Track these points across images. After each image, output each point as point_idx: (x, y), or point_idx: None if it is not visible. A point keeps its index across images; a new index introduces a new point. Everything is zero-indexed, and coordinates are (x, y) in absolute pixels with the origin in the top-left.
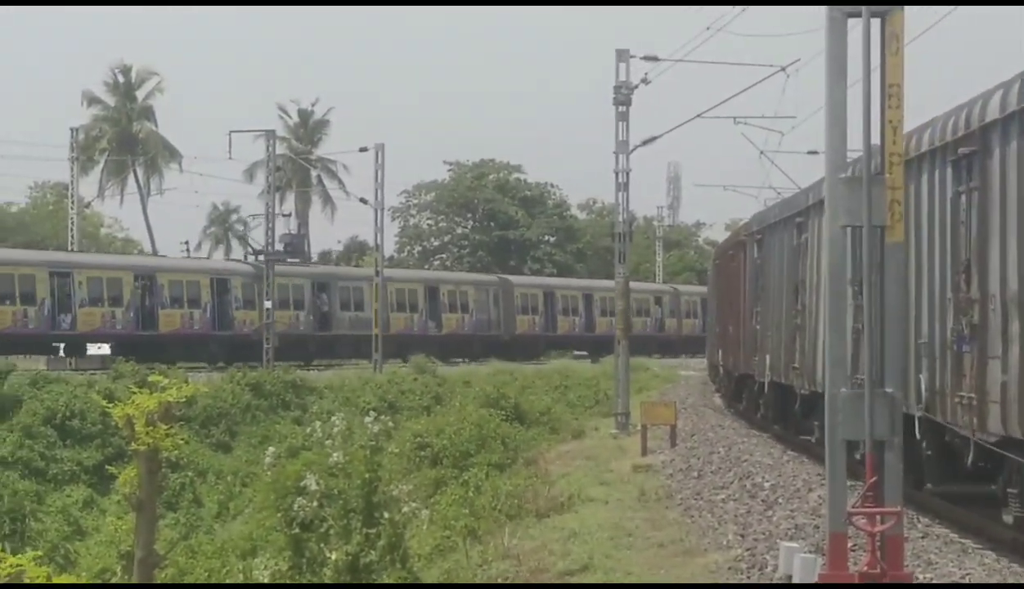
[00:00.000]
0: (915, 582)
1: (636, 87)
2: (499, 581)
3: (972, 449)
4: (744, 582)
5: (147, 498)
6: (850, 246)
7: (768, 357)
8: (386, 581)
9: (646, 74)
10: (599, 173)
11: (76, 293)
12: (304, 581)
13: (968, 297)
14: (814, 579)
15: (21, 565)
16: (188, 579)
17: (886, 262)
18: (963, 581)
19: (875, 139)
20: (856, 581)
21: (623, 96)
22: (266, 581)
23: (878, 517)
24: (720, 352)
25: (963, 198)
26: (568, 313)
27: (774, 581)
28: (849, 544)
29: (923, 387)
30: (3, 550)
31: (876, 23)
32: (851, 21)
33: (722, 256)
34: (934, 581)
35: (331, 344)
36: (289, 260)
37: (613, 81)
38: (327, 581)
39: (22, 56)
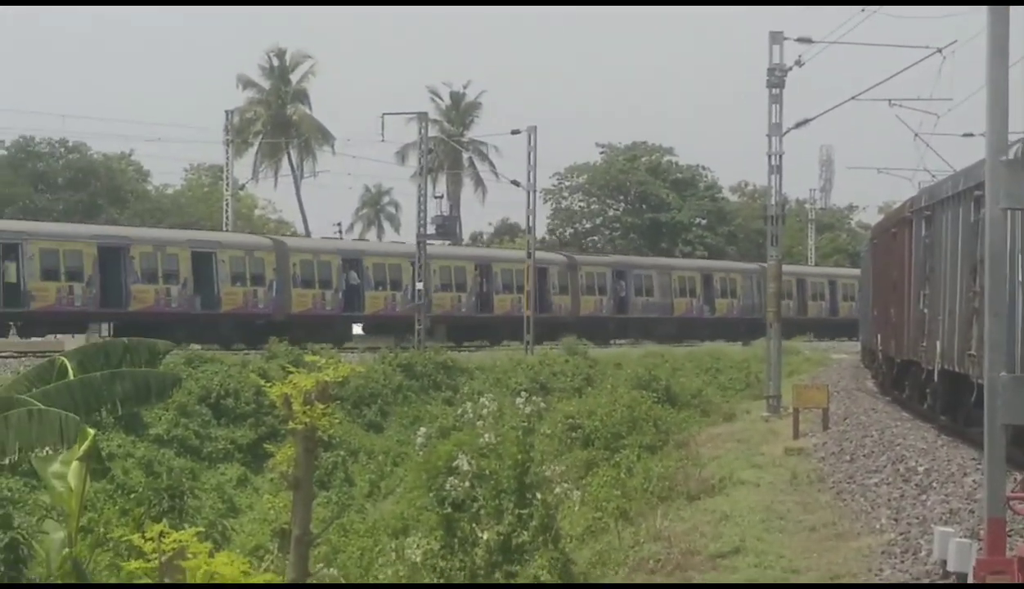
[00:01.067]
0: None
1: (790, 69)
2: (651, 563)
3: None
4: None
5: (303, 477)
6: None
7: (938, 343)
8: (539, 561)
9: (800, 56)
10: (751, 156)
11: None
12: (456, 561)
13: None
14: (971, 564)
15: (183, 540)
16: (341, 557)
17: None
18: None
19: None
20: (1015, 566)
21: (776, 78)
22: (418, 561)
23: None
24: (879, 337)
25: None
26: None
27: (928, 564)
28: (1006, 529)
29: None
30: (164, 526)
31: None
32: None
33: (882, 235)
34: None
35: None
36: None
37: (767, 63)
38: (479, 560)
39: (179, 39)
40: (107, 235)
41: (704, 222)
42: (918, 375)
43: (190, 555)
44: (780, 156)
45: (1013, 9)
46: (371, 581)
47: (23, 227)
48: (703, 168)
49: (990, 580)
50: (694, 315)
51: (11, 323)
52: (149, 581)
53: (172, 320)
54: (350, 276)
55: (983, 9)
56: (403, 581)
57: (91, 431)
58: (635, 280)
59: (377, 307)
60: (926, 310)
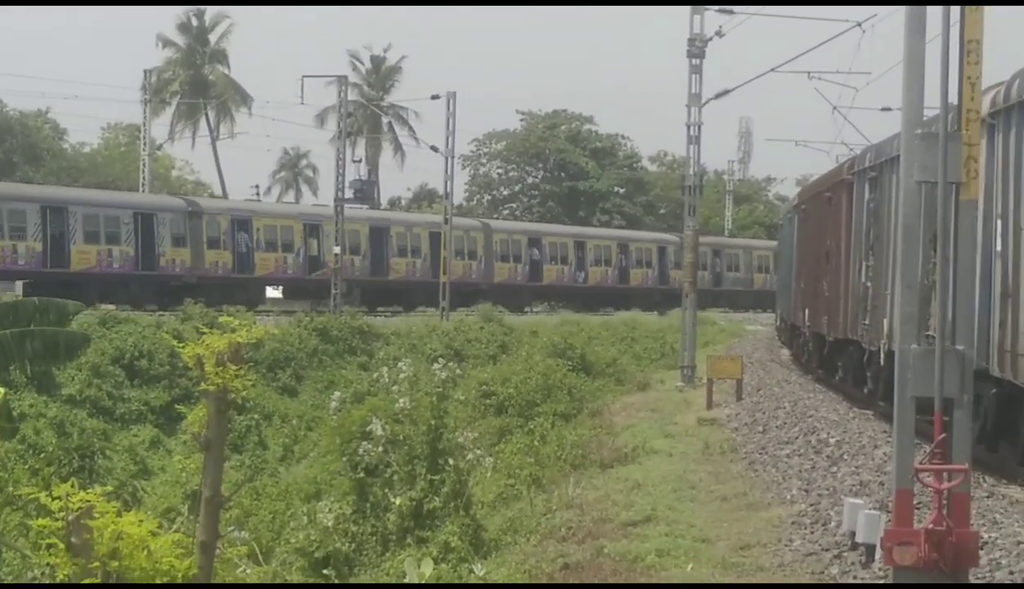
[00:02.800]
0: (981, 540)
1: (710, 40)
2: (563, 530)
3: None
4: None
5: (215, 438)
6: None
7: (885, 322)
8: (449, 527)
9: (720, 27)
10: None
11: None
12: (368, 526)
13: None
14: (879, 536)
15: (90, 500)
16: (253, 520)
17: (960, 219)
18: None
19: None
20: (922, 537)
21: (697, 49)
22: (330, 525)
23: (945, 474)
24: (805, 312)
25: None
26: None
27: (837, 535)
28: (914, 502)
29: None
30: (72, 486)
31: None
32: None
33: (812, 200)
34: (999, 539)
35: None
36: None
37: (687, 33)
38: (391, 525)
39: None
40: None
41: (623, 191)
42: (856, 356)
43: (97, 514)
44: (699, 127)
45: None
46: (282, 545)
47: None
48: (622, 137)
49: (896, 551)
50: (608, 285)
51: None
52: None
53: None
54: (240, 238)
55: None
56: (314, 546)
57: (0, 389)
58: (550, 249)
59: (268, 269)
60: (869, 284)
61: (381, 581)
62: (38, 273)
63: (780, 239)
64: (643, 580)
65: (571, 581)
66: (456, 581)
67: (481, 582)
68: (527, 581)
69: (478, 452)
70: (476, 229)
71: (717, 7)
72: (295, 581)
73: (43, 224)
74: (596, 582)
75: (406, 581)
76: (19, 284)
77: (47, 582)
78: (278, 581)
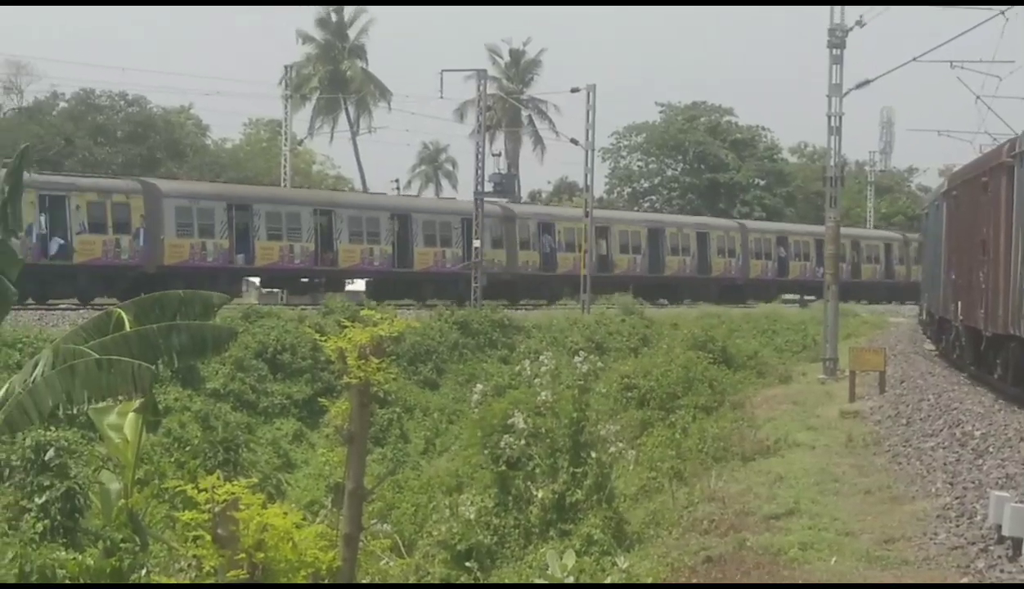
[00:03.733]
0: None
1: (850, 30)
2: (705, 523)
3: None
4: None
5: (358, 431)
6: None
7: None
8: (592, 520)
9: (861, 16)
10: (812, 117)
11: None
12: (511, 518)
13: None
14: None
15: (236, 492)
16: (395, 513)
17: None
18: None
19: None
20: None
21: (837, 39)
22: (472, 518)
23: None
24: (957, 305)
25: None
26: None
27: (983, 529)
28: None
29: None
30: (218, 478)
31: None
32: None
33: (964, 187)
34: None
35: None
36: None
37: (828, 24)
38: (533, 518)
39: None
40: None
41: (763, 183)
42: (1018, 353)
43: (243, 506)
44: (840, 118)
45: None
46: (424, 538)
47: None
48: (763, 129)
49: None
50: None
51: None
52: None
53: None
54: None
55: None
56: (457, 538)
57: None
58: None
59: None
60: None
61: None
62: (387, 272)
63: (925, 229)
64: (786, 574)
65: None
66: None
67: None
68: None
69: (620, 445)
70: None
71: None
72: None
73: (393, 230)
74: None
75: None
76: (362, 282)
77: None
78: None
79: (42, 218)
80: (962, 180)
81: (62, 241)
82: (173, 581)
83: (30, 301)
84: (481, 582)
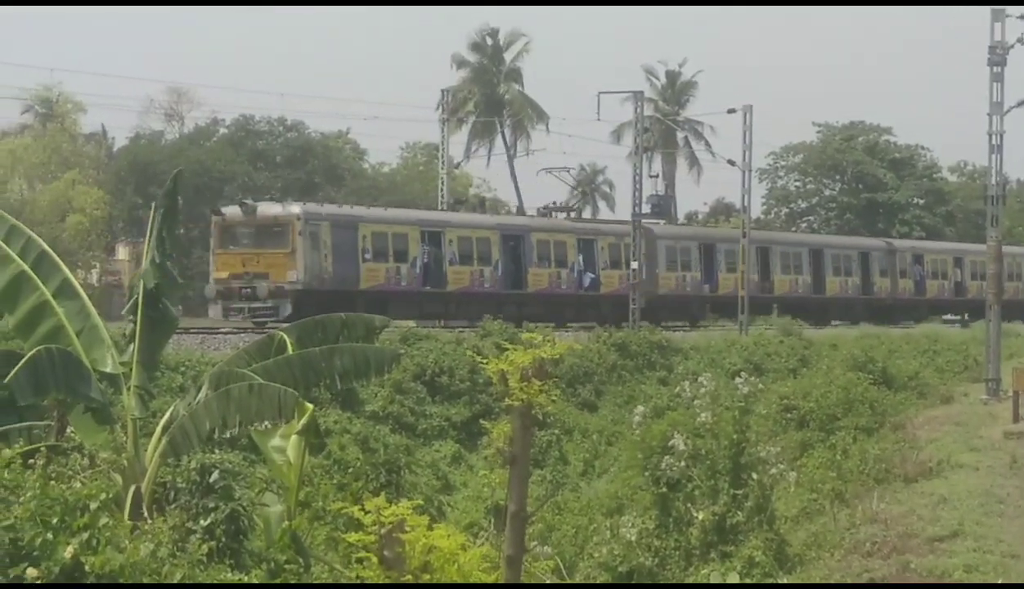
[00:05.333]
0: None
1: (1012, 47)
2: (867, 545)
3: None
4: None
5: (520, 453)
6: None
7: None
8: (753, 542)
9: (1023, 33)
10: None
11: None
12: (671, 540)
13: None
14: None
15: (401, 514)
16: (555, 535)
17: None
18: None
19: None
20: None
21: (998, 56)
22: (633, 539)
23: None
24: None
25: None
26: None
27: None
28: None
29: None
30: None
31: None
32: None
33: None
34: None
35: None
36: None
37: (988, 40)
38: (694, 540)
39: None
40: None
41: (922, 202)
42: None
43: (408, 528)
44: (1001, 135)
45: None
46: (585, 560)
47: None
48: (922, 148)
49: None
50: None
51: None
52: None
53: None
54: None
55: None
56: (618, 560)
57: (310, 406)
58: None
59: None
60: None
61: None
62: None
63: None
64: None
65: None
66: None
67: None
68: None
69: (781, 466)
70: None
71: (1020, 15)
72: None
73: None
74: None
75: None
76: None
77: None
78: None
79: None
80: None
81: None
82: None
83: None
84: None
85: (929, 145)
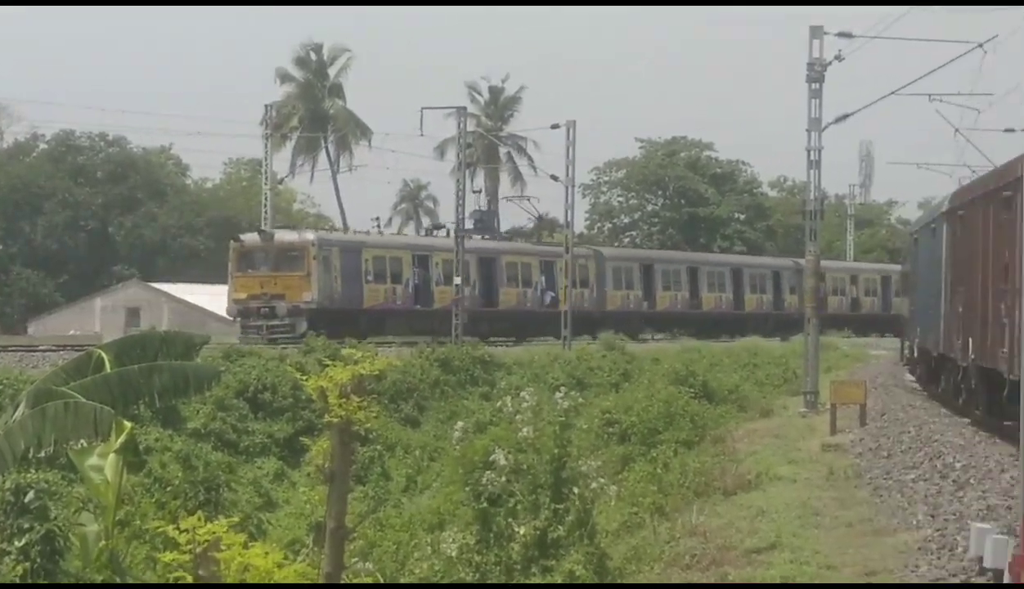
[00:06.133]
0: None
1: (829, 64)
2: (687, 558)
3: None
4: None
5: (339, 470)
6: None
7: None
8: (574, 556)
9: (840, 51)
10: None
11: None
12: (492, 555)
13: None
14: (1007, 560)
15: (216, 532)
16: (377, 551)
17: None
18: None
19: None
20: None
21: (816, 73)
22: (454, 555)
23: None
24: (967, 342)
25: None
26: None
27: (965, 561)
28: None
29: None
30: (199, 519)
31: None
32: None
33: (975, 205)
34: None
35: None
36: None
37: (807, 58)
38: (515, 555)
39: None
40: None
41: (743, 217)
42: None
43: (224, 547)
44: (819, 151)
45: None
46: (406, 576)
47: None
48: (742, 163)
49: None
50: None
51: None
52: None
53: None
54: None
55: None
56: (438, 576)
57: (127, 424)
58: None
59: None
60: None
61: None
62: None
63: (913, 257)
64: None
65: None
66: None
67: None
68: None
69: (602, 481)
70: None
71: (836, 32)
72: None
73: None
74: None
75: None
76: None
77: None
78: None
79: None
80: (973, 197)
81: None
82: None
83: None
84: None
85: (750, 161)
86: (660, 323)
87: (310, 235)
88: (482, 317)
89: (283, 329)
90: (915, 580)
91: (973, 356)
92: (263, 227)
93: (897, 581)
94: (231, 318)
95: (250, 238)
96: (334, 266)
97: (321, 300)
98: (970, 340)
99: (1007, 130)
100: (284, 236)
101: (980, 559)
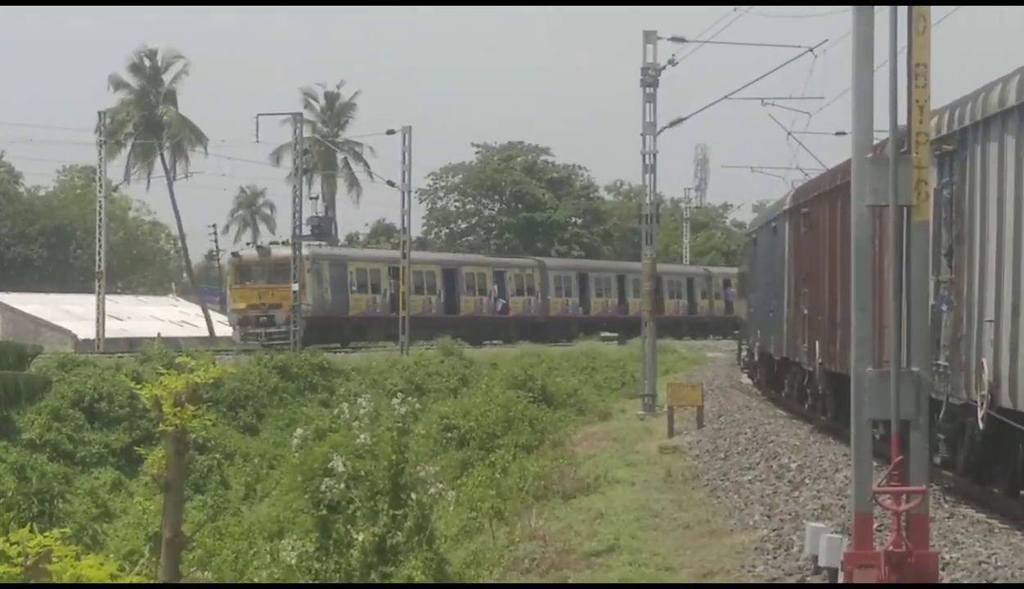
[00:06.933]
0: (941, 560)
1: (663, 69)
2: (526, 562)
3: None
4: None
5: (174, 479)
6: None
7: (987, 361)
8: (413, 562)
9: (673, 55)
10: (627, 155)
11: None
12: (332, 563)
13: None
14: (840, 559)
15: (48, 544)
16: (216, 560)
17: (912, 241)
18: (988, 560)
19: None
20: (882, 560)
21: (650, 78)
22: (293, 563)
23: (903, 496)
24: (814, 346)
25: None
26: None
27: (800, 560)
28: (875, 525)
29: None
30: (31, 531)
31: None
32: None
33: (823, 199)
34: (960, 560)
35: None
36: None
37: (641, 63)
38: (354, 562)
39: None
40: None
41: (580, 221)
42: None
43: (56, 559)
44: (654, 155)
45: (878, 9)
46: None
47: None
48: (579, 168)
49: (857, 574)
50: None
51: None
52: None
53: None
54: None
55: (850, 9)
56: (277, 582)
57: None
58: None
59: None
60: (944, 307)
61: None
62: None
63: (752, 258)
64: None
65: None
66: None
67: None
68: None
69: (440, 486)
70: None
71: (670, 37)
72: None
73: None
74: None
75: None
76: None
77: None
78: None
79: None
80: (819, 193)
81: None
82: None
83: None
84: None
85: (586, 165)
86: (593, 327)
87: (304, 250)
88: (447, 323)
89: (280, 336)
90: (752, 580)
91: (820, 360)
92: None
93: (734, 581)
94: (231, 326)
95: (248, 253)
96: (325, 278)
97: (315, 309)
98: (817, 344)
99: (838, 133)
100: (280, 251)
101: (815, 558)
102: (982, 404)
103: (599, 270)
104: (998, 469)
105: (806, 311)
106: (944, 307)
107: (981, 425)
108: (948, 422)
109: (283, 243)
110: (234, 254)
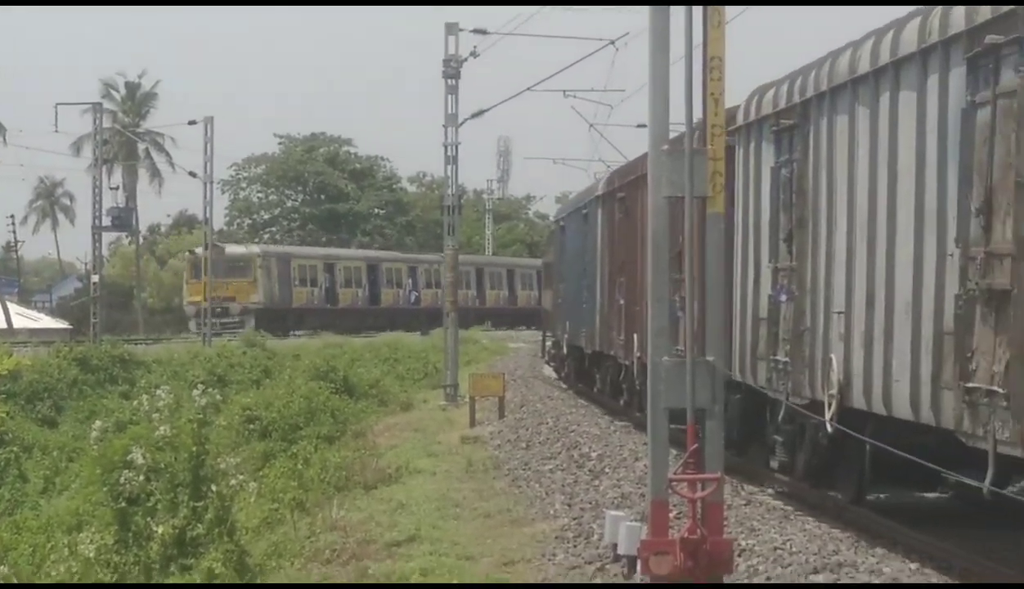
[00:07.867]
0: (737, 547)
1: (465, 60)
2: (327, 553)
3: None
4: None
5: None
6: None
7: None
8: (213, 554)
9: (475, 47)
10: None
11: None
12: (131, 555)
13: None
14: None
15: None
16: (12, 555)
17: (708, 232)
18: (783, 547)
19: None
20: (677, 546)
21: (452, 69)
22: (91, 556)
23: (699, 484)
24: (632, 338)
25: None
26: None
27: (600, 548)
28: (674, 513)
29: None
30: None
31: None
32: None
33: (635, 186)
34: (755, 546)
35: None
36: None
37: (443, 54)
38: (154, 554)
39: None
40: None
41: (383, 212)
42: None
43: None
44: (457, 147)
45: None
46: (43, 579)
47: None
48: (382, 159)
49: (653, 561)
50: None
51: None
52: None
53: None
54: None
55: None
56: (76, 577)
57: None
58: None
59: None
60: (786, 298)
61: None
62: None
63: (557, 247)
64: None
65: None
66: None
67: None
68: None
69: (242, 477)
70: None
71: (472, 29)
72: None
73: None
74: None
75: None
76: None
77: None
78: None
79: None
80: (636, 177)
81: None
82: None
83: None
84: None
85: (389, 156)
86: (487, 316)
87: (256, 248)
88: (368, 313)
89: (235, 325)
90: (552, 568)
91: (639, 354)
92: None
93: (535, 569)
94: (188, 318)
95: (203, 251)
96: (273, 274)
97: (265, 302)
98: (635, 336)
99: (640, 126)
100: (234, 249)
101: (615, 546)
102: (831, 404)
103: (493, 265)
104: (841, 472)
105: (622, 302)
106: (783, 297)
107: (830, 428)
108: (787, 424)
109: (237, 242)
110: (190, 252)
